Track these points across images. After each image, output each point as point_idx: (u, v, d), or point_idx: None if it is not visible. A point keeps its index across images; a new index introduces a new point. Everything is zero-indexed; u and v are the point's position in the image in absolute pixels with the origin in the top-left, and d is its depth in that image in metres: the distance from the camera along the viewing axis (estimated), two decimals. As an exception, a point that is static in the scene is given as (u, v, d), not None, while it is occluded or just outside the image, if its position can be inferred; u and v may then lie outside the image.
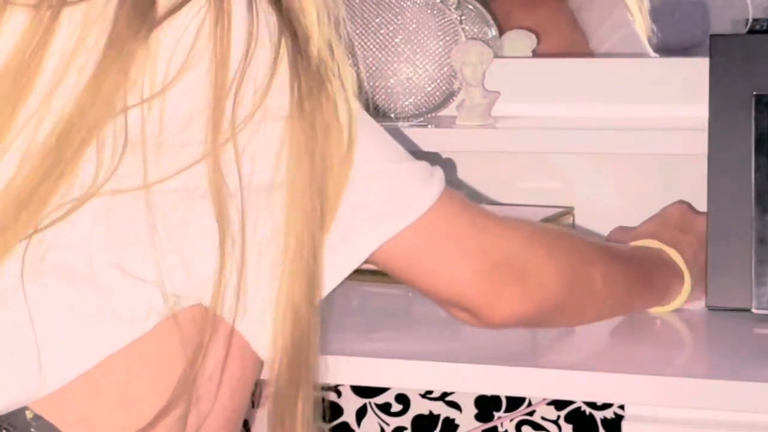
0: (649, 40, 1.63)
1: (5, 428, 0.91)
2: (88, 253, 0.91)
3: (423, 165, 1.01)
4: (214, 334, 0.95)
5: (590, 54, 1.68)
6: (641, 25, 1.62)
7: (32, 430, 0.91)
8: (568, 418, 1.47)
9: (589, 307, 1.13)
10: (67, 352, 0.91)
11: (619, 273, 1.15)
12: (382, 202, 0.98)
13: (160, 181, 0.91)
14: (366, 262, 0.99)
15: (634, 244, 1.23)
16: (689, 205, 1.32)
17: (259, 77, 0.91)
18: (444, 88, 1.54)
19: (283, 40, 0.92)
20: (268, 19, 0.92)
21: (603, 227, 1.36)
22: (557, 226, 1.32)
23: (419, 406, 1.50)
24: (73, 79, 0.89)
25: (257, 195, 0.93)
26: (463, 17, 1.56)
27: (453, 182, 1.03)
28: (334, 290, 0.98)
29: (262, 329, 0.95)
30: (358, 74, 0.97)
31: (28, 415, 0.91)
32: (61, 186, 0.90)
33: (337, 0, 0.97)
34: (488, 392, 1.44)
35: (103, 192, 0.90)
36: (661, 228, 1.27)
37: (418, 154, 1.02)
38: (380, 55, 1.54)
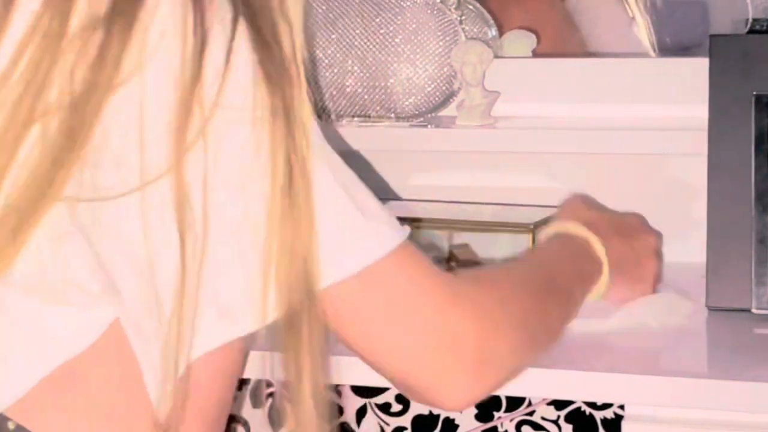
0: (650, 40, 1.63)
1: None
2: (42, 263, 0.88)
3: (384, 214, 0.92)
4: None
5: (588, 52, 1.68)
6: (642, 25, 1.62)
7: None
8: (568, 418, 1.47)
9: (546, 339, 1.08)
10: (24, 358, 0.88)
11: (555, 292, 1.10)
12: (333, 244, 0.89)
13: (129, 192, 0.85)
14: None
15: (558, 230, 1.18)
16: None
17: (217, 75, 0.85)
18: (444, 88, 1.54)
19: (239, 28, 0.85)
20: (222, 7, 0.86)
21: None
22: (502, 266, 1.20)
23: (419, 406, 1.50)
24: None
25: (224, 204, 0.87)
26: (463, 17, 1.56)
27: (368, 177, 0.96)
28: None
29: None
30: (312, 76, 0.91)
31: (10, 426, 0.89)
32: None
33: None
34: (488, 392, 1.43)
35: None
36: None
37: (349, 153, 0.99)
38: (380, 55, 1.54)
